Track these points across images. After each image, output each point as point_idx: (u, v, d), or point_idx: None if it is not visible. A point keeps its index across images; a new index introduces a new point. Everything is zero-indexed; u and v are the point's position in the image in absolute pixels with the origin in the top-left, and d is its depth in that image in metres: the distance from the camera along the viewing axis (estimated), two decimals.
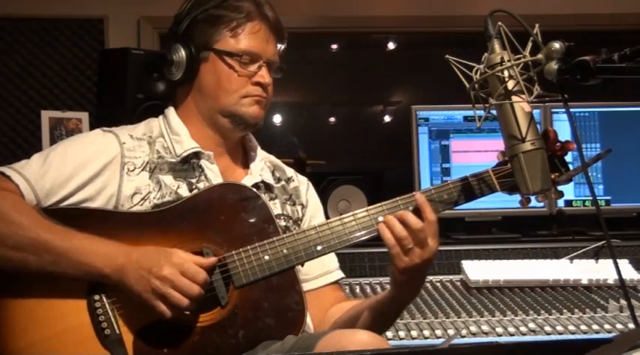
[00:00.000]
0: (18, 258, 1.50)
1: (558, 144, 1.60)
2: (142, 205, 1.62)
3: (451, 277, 2.44)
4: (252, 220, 1.58)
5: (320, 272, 1.79)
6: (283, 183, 1.83)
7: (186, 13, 1.72)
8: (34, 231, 1.50)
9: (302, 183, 1.87)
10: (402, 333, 2.02)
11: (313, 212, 1.86)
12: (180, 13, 1.74)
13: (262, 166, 1.79)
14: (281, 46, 1.77)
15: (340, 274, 1.83)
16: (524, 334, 2.03)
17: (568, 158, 1.64)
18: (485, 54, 1.43)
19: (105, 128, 1.72)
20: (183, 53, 1.69)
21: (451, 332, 2.02)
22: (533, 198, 1.54)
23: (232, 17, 1.69)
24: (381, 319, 1.63)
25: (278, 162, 1.87)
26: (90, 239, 1.51)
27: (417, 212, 1.53)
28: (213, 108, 1.71)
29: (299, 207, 1.82)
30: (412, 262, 1.51)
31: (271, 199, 1.75)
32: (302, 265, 1.66)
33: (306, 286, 1.73)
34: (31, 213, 1.54)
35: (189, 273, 1.46)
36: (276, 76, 1.75)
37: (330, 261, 1.81)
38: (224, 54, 1.69)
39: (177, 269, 1.46)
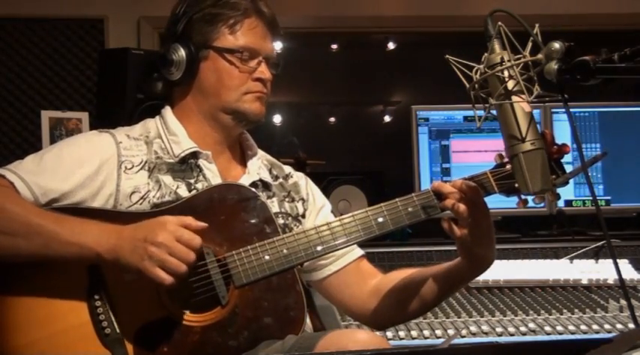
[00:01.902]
0: (8, 243, 1.49)
1: (555, 147, 1.60)
2: (140, 204, 1.62)
3: None
4: (252, 220, 1.59)
5: (344, 251, 1.77)
6: (281, 180, 1.83)
7: (182, 13, 1.72)
8: (25, 216, 1.50)
9: (300, 178, 1.88)
10: (402, 333, 2.02)
11: (319, 203, 1.86)
12: (176, 14, 1.73)
13: (260, 164, 1.80)
14: (277, 43, 1.78)
15: (361, 250, 1.83)
16: (524, 334, 2.03)
17: (567, 158, 1.64)
18: (485, 54, 1.43)
19: (101, 129, 1.72)
20: (182, 53, 1.69)
21: (451, 332, 2.02)
22: (530, 199, 1.54)
23: (230, 15, 1.70)
24: (454, 290, 1.69)
25: (274, 160, 1.87)
26: (80, 221, 1.51)
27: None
28: (216, 106, 1.71)
29: (299, 203, 1.82)
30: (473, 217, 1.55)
31: (269, 197, 1.75)
32: (302, 265, 1.67)
33: (334, 267, 1.76)
34: (23, 201, 1.54)
35: (183, 239, 1.45)
36: (274, 72, 1.75)
37: None
38: (224, 51, 1.70)
39: (173, 235, 1.45)
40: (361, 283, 1.77)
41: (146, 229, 1.46)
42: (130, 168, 1.64)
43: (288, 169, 1.88)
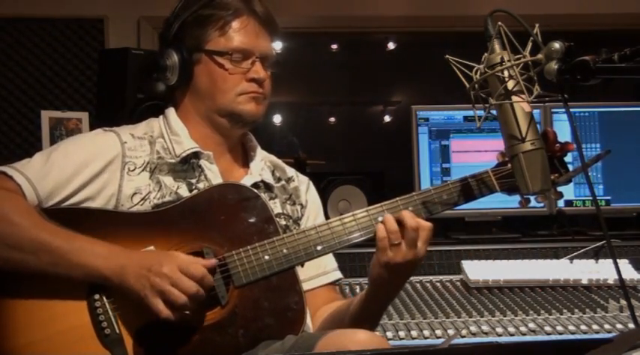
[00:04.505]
0: (17, 258, 1.50)
1: (558, 145, 1.60)
2: (142, 205, 1.62)
3: (451, 277, 2.43)
4: (252, 220, 1.59)
5: (315, 273, 1.79)
6: (283, 182, 1.83)
7: (175, 17, 1.72)
8: (34, 232, 1.50)
9: (302, 183, 1.87)
10: (402, 333, 2.02)
11: (313, 212, 1.86)
12: (169, 17, 1.74)
13: (262, 166, 1.79)
14: (274, 40, 1.77)
15: (337, 275, 1.83)
16: (524, 334, 2.03)
17: (568, 158, 1.64)
18: (485, 54, 1.43)
19: (106, 128, 1.72)
20: (175, 58, 1.69)
21: (451, 332, 2.02)
22: (532, 198, 1.54)
23: (220, 15, 1.69)
24: (361, 320, 1.62)
25: (278, 161, 1.87)
26: (90, 241, 1.51)
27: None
28: (211, 108, 1.71)
29: (298, 207, 1.82)
30: (394, 259, 1.52)
31: (271, 199, 1.75)
32: (302, 265, 1.67)
33: (306, 286, 1.74)
34: (32, 214, 1.54)
35: (188, 271, 1.46)
36: (272, 71, 1.75)
37: (328, 261, 1.82)
38: (215, 54, 1.69)
39: (177, 267, 1.46)
40: (317, 308, 1.77)
41: (153, 259, 1.47)
42: (132, 170, 1.64)
43: (291, 172, 1.87)
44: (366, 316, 1.63)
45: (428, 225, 1.54)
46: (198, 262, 1.48)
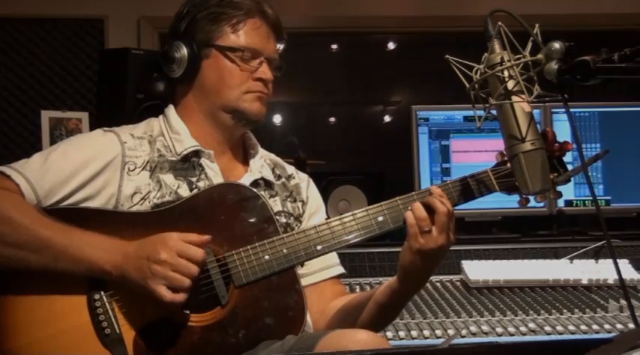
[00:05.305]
0: (18, 256, 1.50)
1: (557, 144, 1.60)
2: (141, 205, 1.62)
3: (451, 277, 2.43)
4: (252, 220, 1.59)
5: (320, 267, 1.79)
6: (284, 180, 1.83)
7: (186, 12, 1.73)
8: (34, 229, 1.51)
9: (302, 180, 1.88)
10: (402, 333, 2.02)
11: (314, 208, 1.86)
12: (180, 12, 1.75)
13: (262, 163, 1.80)
14: (280, 45, 1.79)
15: (341, 269, 1.83)
16: (524, 334, 2.03)
17: (567, 158, 1.64)
18: (485, 54, 1.43)
19: (106, 128, 1.73)
20: (185, 50, 1.70)
21: (451, 332, 2.02)
22: (531, 198, 1.54)
23: (233, 14, 1.71)
24: (384, 310, 1.63)
25: (278, 159, 1.88)
26: (90, 235, 1.52)
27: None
28: (216, 104, 1.72)
29: (299, 204, 1.82)
30: (426, 245, 1.51)
31: (271, 196, 1.75)
32: (302, 265, 1.67)
33: (306, 281, 1.74)
34: (31, 211, 1.54)
35: (186, 253, 1.46)
36: (276, 74, 1.76)
37: (331, 256, 1.81)
38: (226, 49, 1.70)
39: (175, 251, 1.46)
40: (320, 302, 1.76)
41: (149, 247, 1.48)
42: (132, 170, 1.64)
43: (291, 170, 1.88)
44: (394, 305, 1.64)
45: (452, 210, 1.54)
46: (191, 240, 1.48)
